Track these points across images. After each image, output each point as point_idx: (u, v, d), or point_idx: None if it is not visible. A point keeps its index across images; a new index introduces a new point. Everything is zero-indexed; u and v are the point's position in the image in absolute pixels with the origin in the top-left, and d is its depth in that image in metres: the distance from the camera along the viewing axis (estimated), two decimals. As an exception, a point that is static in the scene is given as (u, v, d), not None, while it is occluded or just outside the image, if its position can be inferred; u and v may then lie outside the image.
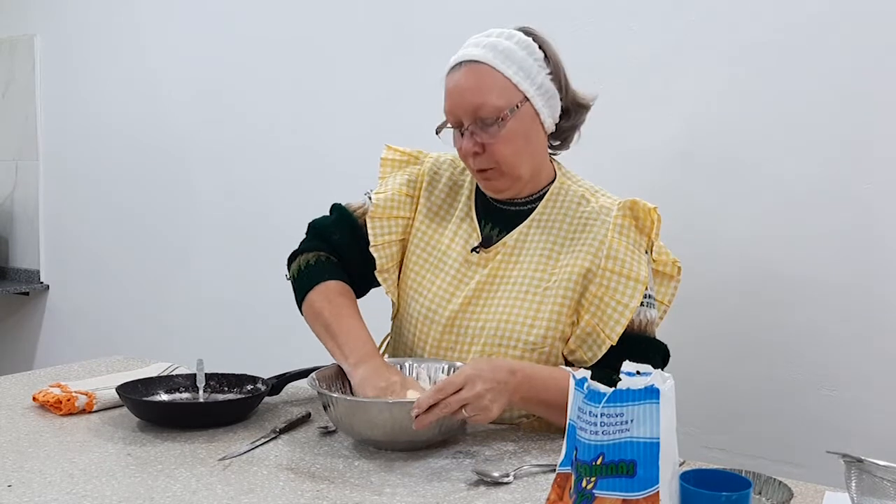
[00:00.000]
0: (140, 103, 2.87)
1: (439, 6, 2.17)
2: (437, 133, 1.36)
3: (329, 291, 1.41)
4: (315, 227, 1.50)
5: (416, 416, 1.14)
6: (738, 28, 1.74)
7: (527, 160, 1.37)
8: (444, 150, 1.47)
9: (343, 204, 1.50)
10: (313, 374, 1.29)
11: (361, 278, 1.46)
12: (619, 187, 1.43)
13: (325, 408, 1.24)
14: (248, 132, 2.60)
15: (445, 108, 1.34)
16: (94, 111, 3.02)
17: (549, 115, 1.36)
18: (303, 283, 1.44)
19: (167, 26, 2.78)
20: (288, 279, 1.49)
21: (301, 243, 1.50)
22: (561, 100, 1.37)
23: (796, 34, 1.68)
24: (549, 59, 1.36)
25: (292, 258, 1.49)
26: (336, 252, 1.47)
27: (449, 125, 1.36)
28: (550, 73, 1.35)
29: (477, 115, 1.31)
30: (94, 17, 2.99)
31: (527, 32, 1.36)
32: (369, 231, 1.43)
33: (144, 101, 2.86)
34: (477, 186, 1.45)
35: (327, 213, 1.51)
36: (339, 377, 1.34)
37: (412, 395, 1.25)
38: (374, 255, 1.42)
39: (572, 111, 1.40)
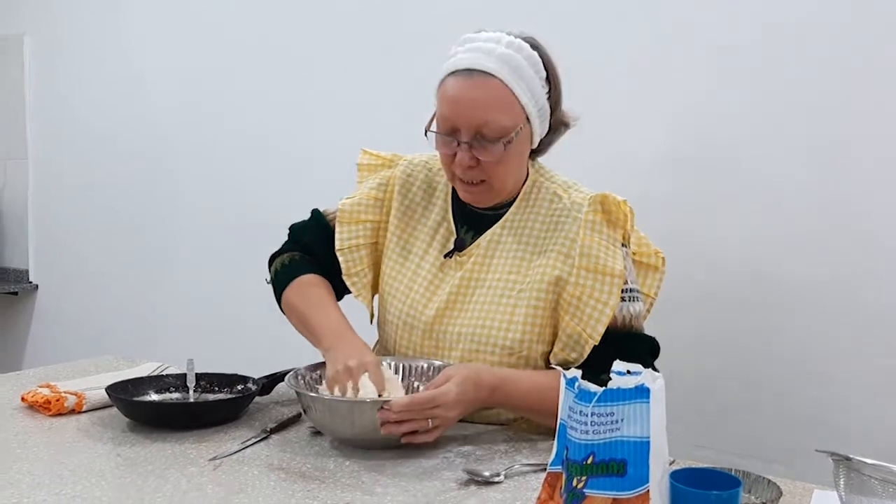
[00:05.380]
0: (128, 104, 2.86)
1: (424, 6, 2.16)
2: (426, 134, 1.33)
3: (302, 285, 1.44)
4: (292, 231, 1.54)
5: (384, 422, 1.14)
6: (725, 27, 1.74)
7: (514, 176, 1.36)
8: (428, 150, 1.46)
9: (321, 209, 1.52)
10: (291, 374, 1.29)
11: (337, 282, 1.46)
12: (603, 189, 1.42)
13: (304, 410, 1.24)
14: (235, 133, 2.59)
15: (442, 113, 1.30)
16: (84, 111, 3.00)
17: (540, 134, 1.35)
18: (279, 283, 1.48)
19: (155, 29, 2.77)
20: (268, 283, 1.51)
21: (280, 247, 1.53)
22: (550, 116, 1.35)
23: (782, 33, 1.68)
24: (550, 78, 1.33)
25: (271, 262, 1.53)
26: (311, 254, 1.49)
27: (434, 129, 1.32)
28: (548, 93, 1.33)
29: (480, 130, 1.28)
30: (84, 17, 2.96)
31: (533, 46, 1.32)
32: (336, 235, 1.44)
33: (132, 103, 2.84)
34: (454, 189, 1.43)
35: (308, 217, 1.54)
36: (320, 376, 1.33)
37: (392, 391, 1.25)
38: (340, 259, 1.43)
39: (554, 128, 1.38)
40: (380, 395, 1.23)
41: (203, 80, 2.66)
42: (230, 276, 2.62)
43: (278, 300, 1.49)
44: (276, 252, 1.53)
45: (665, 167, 1.82)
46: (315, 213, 1.52)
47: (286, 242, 1.53)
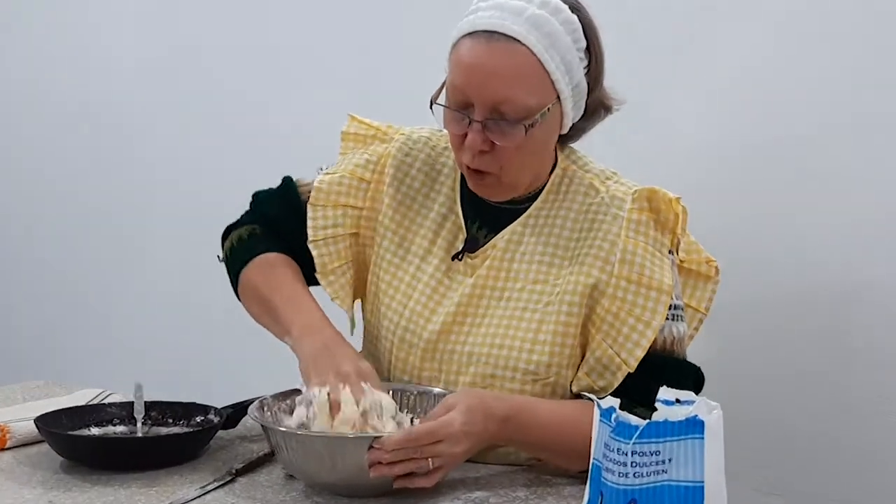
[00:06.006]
0: (70, 73, 2.85)
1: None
2: (431, 106, 1.32)
3: (265, 264, 1.44)
4: (256, 200, 1.54)
5: (374, 462, 1.13)
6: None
7: (534, 168, 1.36)
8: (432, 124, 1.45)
9: (295, 179, 1.51)
10: (255, 404, 1.28)
11: (306, 265, 1.44)
12: (647, 181, 1.40)
13: (272, 449, 1.23)
14: (204, 111, 2.59)
15: (454, 83, 1.30)
16: (11, 71, 2.98)
17: (573, 118, 1.34)
18: (235, 260, 1.48)
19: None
20: (221, 261, 1.51)
21: (239, 217, 1.53)
22: (587, 96, 1.34)
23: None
24: (591, 49, 1.32)
25: (226, 235, 1.52)
26: (276, 228, 1.48)
27: (443, 101, 1.32)
28: (587, 67, 1.32)
29: (497, 108, 1.27)
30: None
31: (573, 7, 1.30)
32: (308, 222, 1.43)
33: (75, 71, 2.83)
34: (462, 174, 1.42)
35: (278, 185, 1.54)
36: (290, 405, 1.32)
37: (390, 424, 1.24)
38: (314, 252, 1.42)
39: (591, 110, 1.37)
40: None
41: (168, 37, 2.64)
42: (187, 280, 2.62)
43: (233, 282, 1.48)
44: (232, 224, 1.53)
45: (729, 152, 1.82)
46: (286, 181, 1.52)
47: (247, 213, 1.53)
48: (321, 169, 1.48)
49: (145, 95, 2.70)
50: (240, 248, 1.48)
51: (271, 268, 1.44)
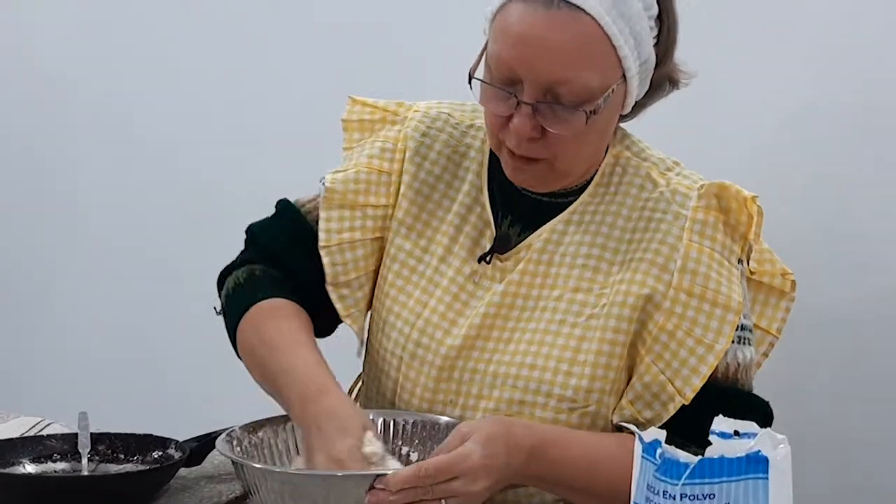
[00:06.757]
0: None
1: None
2: (469, 81, 1.31)
3: (260, 316, 1.41)
4: (251, 233, 1.52)
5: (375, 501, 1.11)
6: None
7: (590, 156, 1.36)
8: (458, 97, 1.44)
9: (292, 200, 1.50)
10: (222, 438, 1.26)
11: (319, 304, 1.43)
12: (716, 168, 1.40)
13: (248, 490, 1.22)
14: (164, 85, 2.59)
15: (499, 55, 1.28)
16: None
17: (636, 96, 1.34)
18: (232, 313, 1.45)
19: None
20: (218, 313, 1.50)
21: (236, 258, 1.52)
22: (654, 70, 1.34)
23: None
24: (664, 16, 1.31)
25: (222, 282, 1.51)
26: (278, 265, 1.47)
27: (482, 75, 1.31)
28: (657, 38, 1.32)
29: (554, 89, 1.26)
30: None
31: None
32: (320, 225, 1.42)
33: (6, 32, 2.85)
34: (491, 157, 1.42)
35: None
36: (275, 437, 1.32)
37: (393, 464, 1.23)
38: (325, 259, 1.41)
39: (656, 85, 1.36)
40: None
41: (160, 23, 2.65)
42: (145, 291, 2.63)
43: (232, 339, 1.46)
44: (228, 266, 1.50)
45: (812, 130, 1.82)
46: (281, 205, 1.50)
47: (243, 251, 1.52)
48: (323, 181, 1.45)
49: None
50: (235, 297, 1.45)
51: (268, 319, 1.40)
